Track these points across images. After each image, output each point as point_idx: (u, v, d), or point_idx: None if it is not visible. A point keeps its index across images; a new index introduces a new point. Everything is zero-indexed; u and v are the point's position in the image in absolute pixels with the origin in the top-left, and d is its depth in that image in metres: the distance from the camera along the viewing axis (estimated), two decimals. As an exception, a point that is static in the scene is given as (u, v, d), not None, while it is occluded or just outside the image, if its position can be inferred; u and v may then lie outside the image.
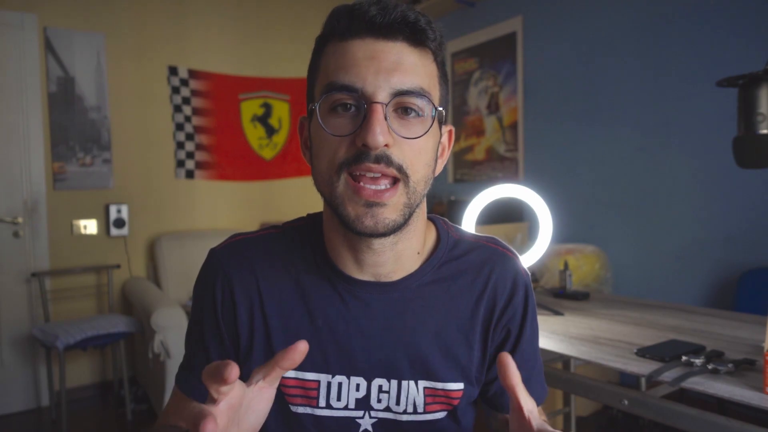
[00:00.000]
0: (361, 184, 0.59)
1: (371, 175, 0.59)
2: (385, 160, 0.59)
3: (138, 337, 2.94)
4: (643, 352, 1.22)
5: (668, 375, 1.10)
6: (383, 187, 0.60)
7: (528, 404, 0.51)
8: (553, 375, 1.29)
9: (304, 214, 0.77)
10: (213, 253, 0.73)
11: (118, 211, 3.18)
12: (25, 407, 2.96)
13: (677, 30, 2.62)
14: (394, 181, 0.61)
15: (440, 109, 0.63)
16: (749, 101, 1.20)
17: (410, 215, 0.63)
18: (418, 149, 0.61)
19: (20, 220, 2.95)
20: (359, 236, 0.63)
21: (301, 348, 0.47)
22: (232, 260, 0.71)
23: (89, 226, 3.14)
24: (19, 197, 2.96)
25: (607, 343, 1.34)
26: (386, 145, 0.59)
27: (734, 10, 2.41)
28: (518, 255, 0.77)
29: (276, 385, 0.51)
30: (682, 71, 2.61)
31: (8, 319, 2.92)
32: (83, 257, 3.13)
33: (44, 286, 2.89)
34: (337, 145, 0.60)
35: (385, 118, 0.59)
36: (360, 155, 0.59)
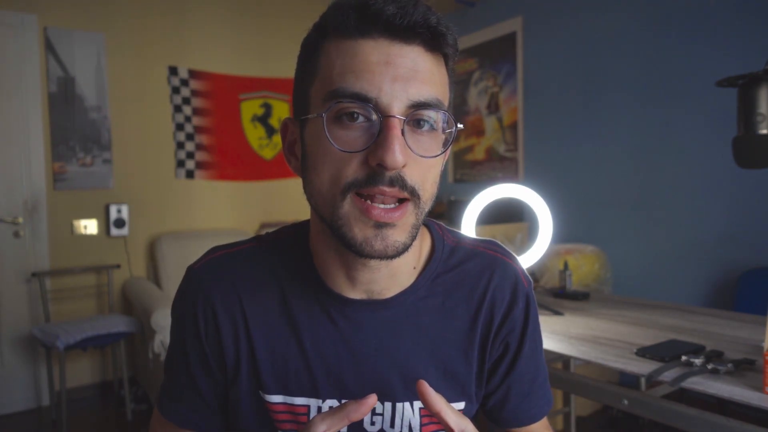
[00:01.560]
0: (369, 203, 0.54)
1: (382, 197, 0.54)
2: (399, 183, 0.53)
3: (138, 337, 2.94)
4: (643, 352, 1.22)
5: (668, 375, 1.10)
6: (392, 206, 0.54)
7: (460, 425, 0.51)
8: (553, 375, 1.29)
9: (303, 219, 0.71)
10: (191, 272, 0.67)
11: (118, 211, 3.18)
12: (26, 407, 2.96)
13: (677, 30, 2.62)
14: (402, 199, 0.55)
15: (461, 126, 0.58)
16: (749, 101, 1.20)
17: (416, 236, 0.58)
18: (429, 167, 0.56)
19: (20, 220, 2.95)
20: (362, 258, 0.57)
21: (371, 402, 0.48)
22: (213, 279, 0.66)
23: (89, 226, 3.14)
24: (19, 197, 2.96)
25: (607, 343, 1.34)
26: (403, 165, 0.53)
27: (734, 10, 2.42)
28: (519, 261, 0.72)
29: None
30: (682, 71, 2.61)
31: (8, 319, 2.92)
32: (83, 257, 3.13)
33: (44, 286, 2.89)
34: (344, 161, 0.54)
35: (402, 134, 0.53)
36: (373, 176, 0.53)
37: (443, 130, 0.57)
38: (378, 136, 0.52)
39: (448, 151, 0.67)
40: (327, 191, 0.56)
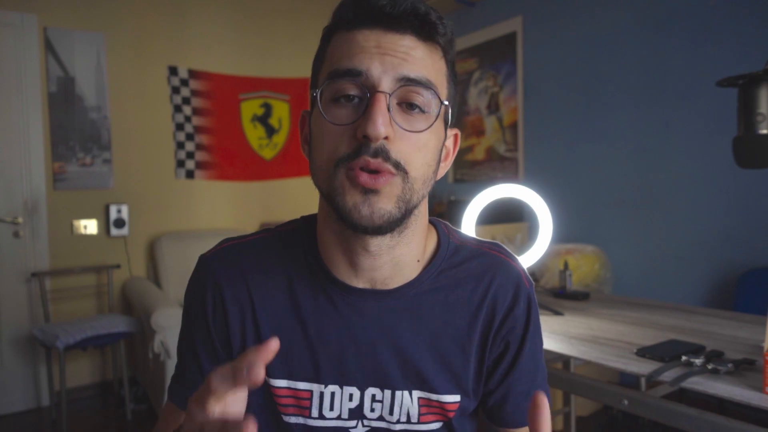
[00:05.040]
0: (358, 170, 0.57)
1: (368, 169, 0.57)
2: (383, 154, 0.56)
3: (138, 337, 2.94)
4: (643, 352, 1.22)
5: (668, 375, 1.10)
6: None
7: None
8: (553, 375, 1.29)
9: (301, 216, 0.74)
10: (203, 260, 0.71)
11: (118, 211, 3.18)
12: (25, 407, 2.96)
13: (677, 30, 2.62)
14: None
15: (446, 103, 0.61)
16: (749, 101, 1.20)
17: (407, 212, 0.60)
18: (419, 145, 0.59)
19: (20, 220, 2.95)
20: (355, 232, 0.60)
21: (273, 347, 0.43)
22: (223, 268, 0.69)
23: (89, 226, 3.14)
24: (19, 197, 2.96)
25: (607, 343, 1.34)
26: (386, 138, 0.56)
27: (734, 10, 2.42)
28: (521, 263, 0.74)
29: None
30: (682, 71, 2.61)
31: (8, 319, 2.92)
32: (83, 257, 3.13)
33: (44, 286, 2.89)
34: (338, 137, 0.58)
35: (388, 110, 0.57)
36: (359, 147, 0.56)
37: (437, 115, 0.60)
38: (365, 110, 0.57)
39: (453, 153, 0.69)
40: (324, 166, 0.60)
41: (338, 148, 0.58)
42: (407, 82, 0.57)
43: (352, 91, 0.58)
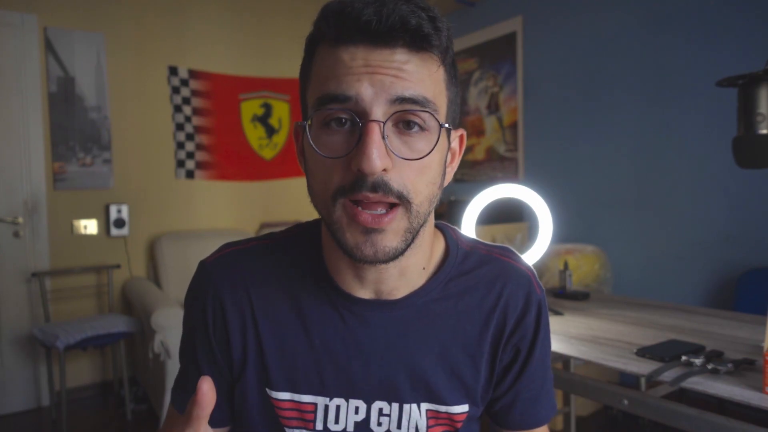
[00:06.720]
0: (359, 209, 0.53)
1: (368, 202, 0.53)
2: (383, 187, 0.52)
3: (138, 337, 2.94)
4: (643, 352, 1.22)
5: (668, 375, 1.10)
6: (381, 211, 0.54)
7: None
8: (553, 375, 1.29)
9: (303, 218, 0.74)
10: (203, 266, 0.68)
11: (118, 211, 3.18)
12: (25, 407, 2.96)
13: (677, 30, 2.62)
14: (393, 204, 0.54)
15: (446, 126, 0.56)
16: (749, 101, 1.20)
17: (413, 239, 0.57)
18: (421, 168, 0.55)
19: (20, 220, 2.95)
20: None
21: (204, 389, 0.45)
22: (224, 275, 0.66)
23: (89, 226, 3.14)
24: (19, 197, 2.96)
25: (607, 343, 1.34)
26: (384, 170, 0.52)
27: (734, 10, 2.41)
28: (532, 268, 0.72)
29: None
30: (682, 71, 2.61)
31: (8, 319, 2.92)
32: (83, 257, 3.13)
33: (44, 286, 2.89)
34: (332, 167, 0.54)
35: (384, 138, 0.52)
36: (356, 182, 0.52)
37: (439, 130, 0.56)
38: (358, 142, 0.52)
39: (459, 155, 0.66)
40: (321, 196, 0.56)
41: (333, 178, 0.54)
42: (402, 102, 0.52)
43: (343, 115, 0.53)
